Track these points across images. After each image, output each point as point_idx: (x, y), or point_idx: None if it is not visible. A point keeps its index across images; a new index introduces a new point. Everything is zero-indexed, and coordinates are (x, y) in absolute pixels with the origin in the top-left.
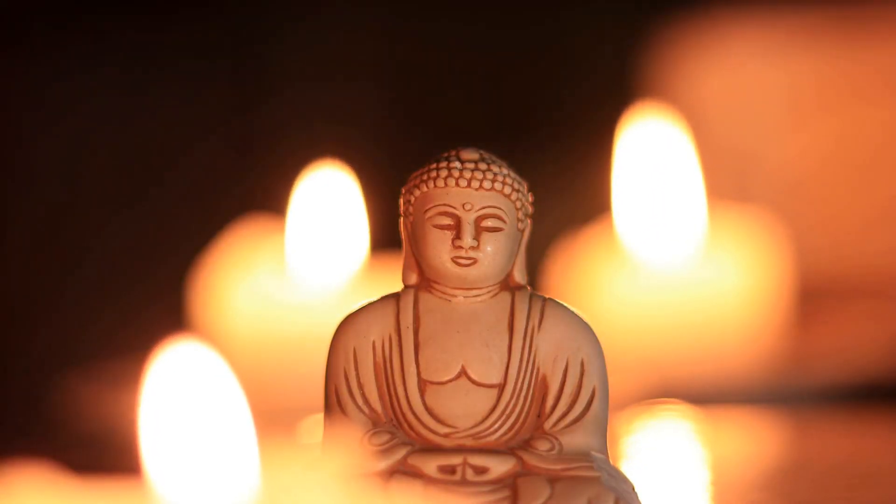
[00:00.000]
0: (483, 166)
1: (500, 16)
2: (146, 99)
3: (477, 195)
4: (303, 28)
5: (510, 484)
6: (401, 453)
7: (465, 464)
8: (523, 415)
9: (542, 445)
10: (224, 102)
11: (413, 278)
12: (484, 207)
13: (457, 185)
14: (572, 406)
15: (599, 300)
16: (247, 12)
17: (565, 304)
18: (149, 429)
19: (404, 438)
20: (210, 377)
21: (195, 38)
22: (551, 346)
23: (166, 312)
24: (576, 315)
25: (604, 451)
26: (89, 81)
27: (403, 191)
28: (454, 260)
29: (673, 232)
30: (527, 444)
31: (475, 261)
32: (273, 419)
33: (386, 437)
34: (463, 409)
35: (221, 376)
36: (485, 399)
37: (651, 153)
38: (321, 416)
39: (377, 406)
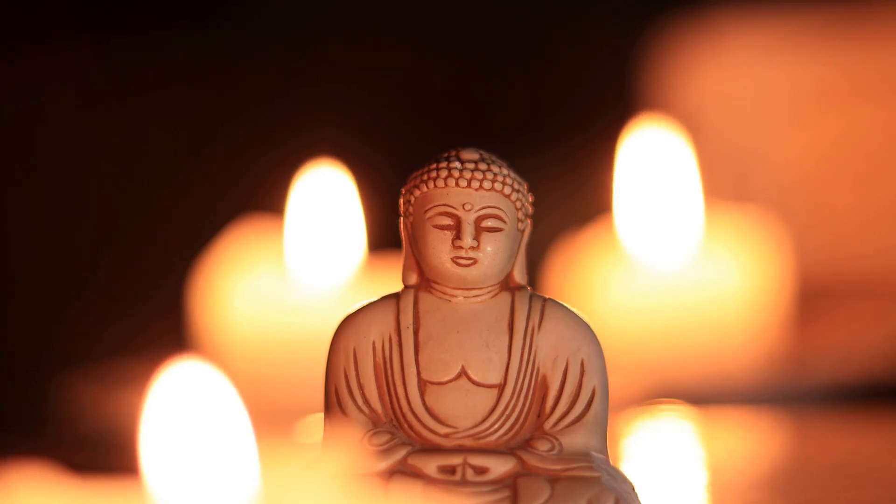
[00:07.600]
0: (483, 166)
1: (500, 18)
2: (146, 101)
3: (477, 195)
4: (301, 30)
5: (510, 484)
6: (401, 453)
7: (465, 464)
8: (523, 415)
9: (542, 446)
10: (223, 104)
11: (413, 278)
12: (484, 207)
13: (457, 185)
14: (572, 406)
15: (600, 300)
16: (246, 15)
17: (565, 305)
18: (150, 433)
19: (404, 438)
20: (210, 389)
21: (194, 40)
22: (551, 346)
23: (166, 313)
24: (576, 315)
25: (604, 451)
26: (94, 87)
27: (403, 191)
28: (454, 260)
29: (672, 233)
30: (527, 445)
31: (475, 261)
32: (273, 419)
33: (386, 438)
34: (463, 409)
35: (221, 388)
36: (485, 399)
37: (650, 156)
38: (321, 416)
39: (377, 406)
